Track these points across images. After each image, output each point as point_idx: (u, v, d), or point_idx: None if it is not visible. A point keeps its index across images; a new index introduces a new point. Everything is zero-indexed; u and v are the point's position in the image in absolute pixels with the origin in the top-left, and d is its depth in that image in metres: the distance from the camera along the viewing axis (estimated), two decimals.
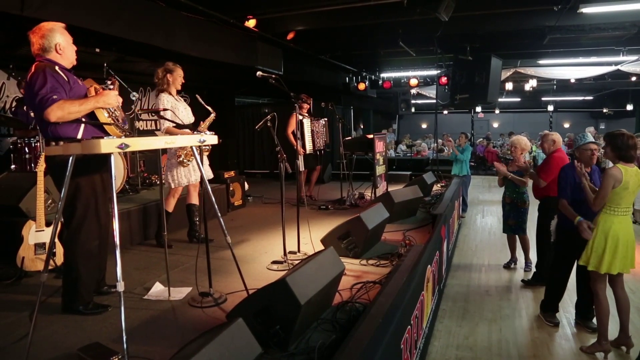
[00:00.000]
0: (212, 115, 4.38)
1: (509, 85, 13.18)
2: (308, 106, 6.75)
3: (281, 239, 3.83)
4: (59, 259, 3.48)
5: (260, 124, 3.98)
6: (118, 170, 5.33)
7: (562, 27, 6.90)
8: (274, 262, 3.77)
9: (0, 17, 3.71)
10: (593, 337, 3.64)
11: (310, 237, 4.22)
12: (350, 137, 8.10)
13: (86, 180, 2.77)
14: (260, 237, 4.75)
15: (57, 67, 2.72)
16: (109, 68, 5.64)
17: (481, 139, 19.65)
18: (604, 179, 3.31)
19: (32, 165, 4.64)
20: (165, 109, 4.06)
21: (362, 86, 11.46)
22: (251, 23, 6.24)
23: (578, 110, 22.37)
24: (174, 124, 3.88)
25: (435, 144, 12.29)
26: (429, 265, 3.52)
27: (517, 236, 5.44)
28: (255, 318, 2.18)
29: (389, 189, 5.92)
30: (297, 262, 3.42)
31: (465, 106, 14.98)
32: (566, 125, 23.22)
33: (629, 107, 17.89)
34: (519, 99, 19.92)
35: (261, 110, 11.30)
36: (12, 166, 4.76)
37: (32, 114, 4.23)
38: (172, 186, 4.33)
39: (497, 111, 22.58)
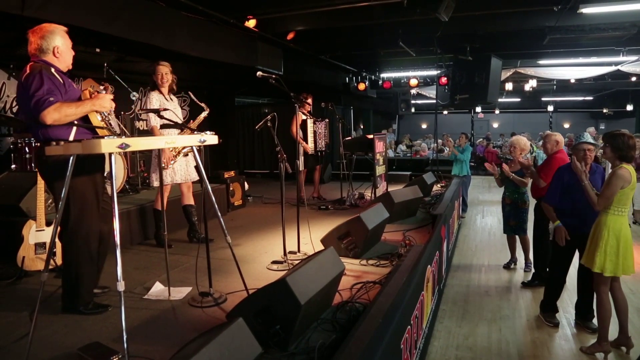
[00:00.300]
0: (205, 113, 4.38)
1: (509, 86, 13.18)
2: (310, 106, 6.76)
3: (281, 239, 3.83)
4: (59, 258, 3.48)
5: (260, 124, 3.98)
6: (118, 170, 5.33)
7: (562, 28, 6.90)
8: (274, 262, 3.77)
9: (1, 17, 3.71)
10: (593, 337, 3.64)
11: (310, 237, 4.22)
12: (350, 137, 8.10)
13: (79, 181, 2.74)
14: (260, 237, 4.76)
15: (52, 69, 2.69)
16: (109, 68, 5.65)
17: (481, 139, 19.65)
18: (612, 179, 3.28)
19: (33, 165, 4.65)
20: (165, 109, 4.05)
21: (362, 86, 11.46)
22: (251, 23, 6.24)
23: (578, 111, 22.37)
24: (162, 125, 3.90)
25: (435, 144, 12.29)
26: (429, 266, 3.52)
27: (517, 236, 5.45)
28: (255, 318, 2.18)
29: (389, 189, 5.93)
30: (297, 262, 3.42)
31: (465, 106, 14.99)
32: (566, 126, 23.22)
33: (629, 108, 17.90)
34: (518, 99, 19.92)
35: (261, 110, 11.31)
36: (13, 166, 4.76)
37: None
38: (156, 184, 4.37)
39: (497, 111, 22.58)
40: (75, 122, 2.66)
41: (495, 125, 25.21)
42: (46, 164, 2.73)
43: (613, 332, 3.52)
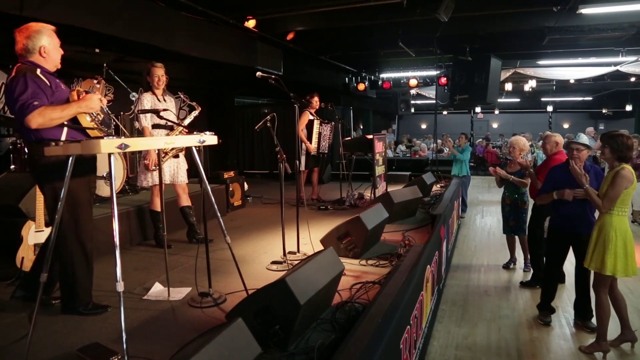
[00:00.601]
0: (196, 112, 4.37)
1: (509, 86, 13.18)
2: (317, 103, 6.74)
3: (281, 239, 3.84)
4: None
5: (259, 124, 3.98)
6: (118, 171, 5.33)
7: (562, 28, 6.92)
8: (274, 262, 3.77)
9: (0, 17, 3.70)
10: (592, 337, 3.65)
11: (310, 238, 4.22)
12: (349, 138, 8.10)
13: (72, 183, 2.66)
14: (260, 238, 4.76)
15: (38, 71, 2.64)
16: (108, 68, 5.64)
17: (481, 140, 19.67)
18: (617, 180, 3.26)
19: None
20: (165, 109, 4.05)
21: (361, 86, 11.47)
22: (251, 23, 6.24)
23: (577, 111, 22.39)
24: (154, 125, 3.95)
25: (434, 145, 12.30)
26: (428, 266, 3.52)
27: (516, 236, 5.45)
28: (255, 318, 2.18)
29: (389, 190, 5.93)
30: (296, 262, 3.42)
31: (464, 107, 14.98)
32: (565, 126, 23.24)
33: (628, 108, 17.91)
34: (518, 100, 19.94)
35: (261, 111, 11.30)
36: (12, 166, 4.76)
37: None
38: (144, 184, 4.39)
39: (496, 112, 22.60)
40: (65, 123, 2.62)
41: (495, 125, 25.22)
42: (37, 166, 2.70)
43: (612, 331, 3.53)
